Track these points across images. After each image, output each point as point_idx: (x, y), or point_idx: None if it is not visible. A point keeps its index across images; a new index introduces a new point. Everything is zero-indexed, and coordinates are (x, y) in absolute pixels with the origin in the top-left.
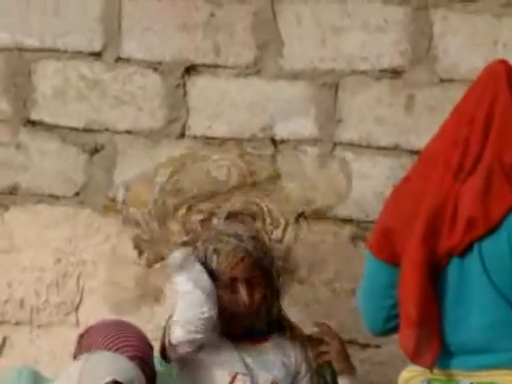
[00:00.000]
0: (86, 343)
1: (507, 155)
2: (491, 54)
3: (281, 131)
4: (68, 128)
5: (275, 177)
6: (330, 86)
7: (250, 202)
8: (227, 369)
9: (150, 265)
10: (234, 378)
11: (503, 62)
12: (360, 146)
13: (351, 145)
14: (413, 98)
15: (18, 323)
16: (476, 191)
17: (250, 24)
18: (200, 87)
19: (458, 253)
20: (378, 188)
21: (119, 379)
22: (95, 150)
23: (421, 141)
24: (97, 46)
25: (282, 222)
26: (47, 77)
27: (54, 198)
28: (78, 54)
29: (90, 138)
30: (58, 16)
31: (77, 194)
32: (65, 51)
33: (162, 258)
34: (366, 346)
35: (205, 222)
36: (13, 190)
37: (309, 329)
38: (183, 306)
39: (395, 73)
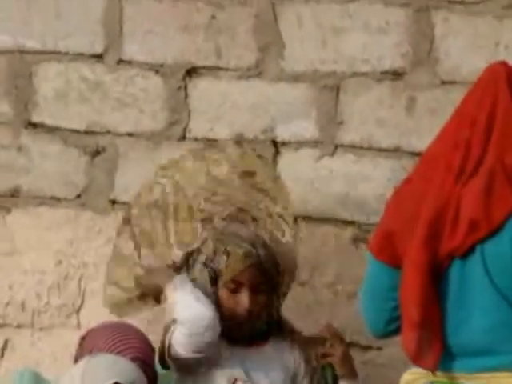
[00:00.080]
0: (87, 345)
1: (509, 157)
2: (493, 56)
3: (282, 133)
4: (69, 130)
5: (275, 178)
6: (331, 87)
7: (251, 202)
8: (227, 374)
9: (150, 271)
10: None
11: (503, 64)
12: (361, 147)
13: (352, 147)
14: (414, 99)
15: (19, 326)
16: (478, 193)
17: (252, 26)
18: (201, 89)
19: (459, 255)
20: (379, 190)
21: (121, 381)
22: (97, 153)
23: (422, 143)
24: (98, 49)
25: (282, 223)
26: (49, 79)
27: (55, 201)
28: (79, 56)
29: (91, 141)
30: (60, 18)
31: (78, 196)
32: (66, 53)
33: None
34: (367, 348)
35: (205, 221)
36: (14, 193)
37: (310, 331)
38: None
39: (396, 75)
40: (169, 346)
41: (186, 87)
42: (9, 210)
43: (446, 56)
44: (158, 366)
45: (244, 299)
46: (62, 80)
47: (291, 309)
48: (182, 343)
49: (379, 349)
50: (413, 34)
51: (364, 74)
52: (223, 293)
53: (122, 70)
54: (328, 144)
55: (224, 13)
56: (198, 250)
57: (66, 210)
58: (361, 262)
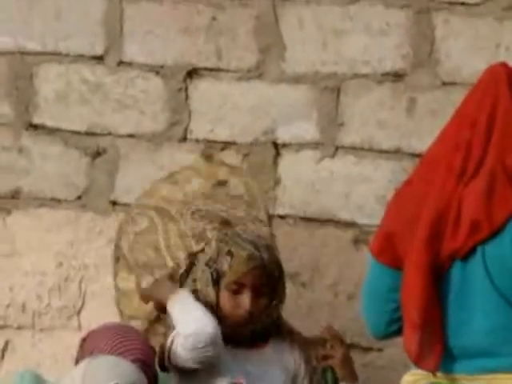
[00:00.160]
0: (88, 347)
1: (510, 158)
2: (493, 58)
3: (283, 135)
4: (70, 132)
5: (246, 182)
6: (331, 89)
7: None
8: (227, 376)
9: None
10: None
11: (503, 65)
12: (362, 149)
13: (353, 148)
14: (415, 101)
15: (20, 327)
16: (479, 194)
17: (252, 28)
18: (202, 91)
19: (460, 256)
20: (379, 191)
21: (122, 383)
22: (97, 154)
23: (423, 144)
24: (99, 50)
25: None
26: (49, 80)
27: (55, 202)
28: (79, 58)
29: (92, 142)
30: (60, 20)
31: (79, 197)
32: (67, 55)
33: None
34: (368, 349)
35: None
36: (15, 194)
37: (310, 332)
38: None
39: (397, 76)
40: (169, 354)
41: (186, 88)
42: (9, 212)
43: (447, 57)
44: (157, 368)
45: (245, 301)
46: (62, 81)
47: (292, 310)
48: (183, 356)
49: (380, 350)
50: (413, 36)
51: (365, 76)
52: (224, 294)
53: (122, 72)
54: (329, 145)
55: (225, 14)
56: (201, 251)
57: (66, 212)
58: (361, 263)
